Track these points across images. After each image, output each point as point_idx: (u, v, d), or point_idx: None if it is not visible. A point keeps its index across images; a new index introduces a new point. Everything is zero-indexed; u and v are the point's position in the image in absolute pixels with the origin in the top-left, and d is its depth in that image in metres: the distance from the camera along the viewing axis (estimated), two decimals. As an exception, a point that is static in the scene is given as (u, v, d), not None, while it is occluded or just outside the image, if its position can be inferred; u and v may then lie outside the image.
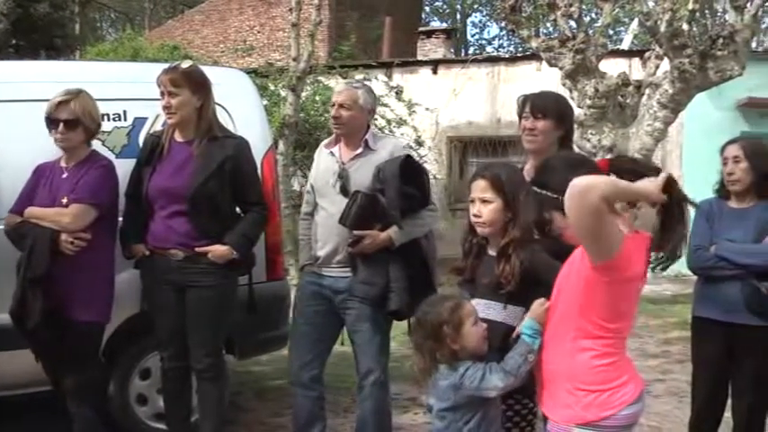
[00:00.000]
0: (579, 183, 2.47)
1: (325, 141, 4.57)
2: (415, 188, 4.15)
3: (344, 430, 4.95)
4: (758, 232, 4.08)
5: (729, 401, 4.29)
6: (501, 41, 34.17)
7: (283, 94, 10.79)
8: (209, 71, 4.38)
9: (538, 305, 2.87)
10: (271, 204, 4.69)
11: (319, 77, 13.17)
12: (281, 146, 9.44)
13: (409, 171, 4.14)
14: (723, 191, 4.27)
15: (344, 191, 4.22)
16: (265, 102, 11.55)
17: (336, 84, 12.81)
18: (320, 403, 4.43)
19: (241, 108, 4.97)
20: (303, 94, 11.02)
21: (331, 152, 4.41)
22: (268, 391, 6.24)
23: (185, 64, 4.27)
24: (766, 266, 4.00)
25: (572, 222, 2.56)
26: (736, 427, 4.25)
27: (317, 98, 12.91)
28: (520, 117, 3.77)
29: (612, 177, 2.59)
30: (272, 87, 12.60)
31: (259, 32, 22.32)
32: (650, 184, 2.60)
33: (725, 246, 4.11)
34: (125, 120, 4.72)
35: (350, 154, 4.33)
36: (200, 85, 4.17)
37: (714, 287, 4.16)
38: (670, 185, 2.61)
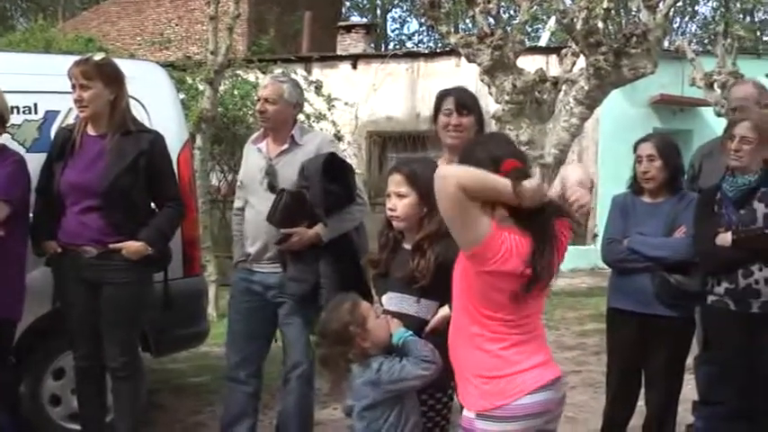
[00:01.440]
0: (440, 170, 2.62)
1: (253, 137, 4.54)
2: (340, 184, 4.14)
3: (265, 426, 4.90)
4: (669, 226, 4.19)
5: (643, 391, 4.39)
6: (421, 37, 34.36)
7: (201, 87, 10.62)
8: (123, 64, 4.29)
9: (392, 324, 3.00)
10: (187, 200, 4.64)
11: (238, 71, 13.00)
12: (199, 140, 9.28)
13: (334, 167, 4.12)
14: (636, 186, 4.36)
15: (272, 188, 4.21)
16: (183, 96, 11.36)
17: (256, 78, 12.72)
18: (254, 400, 4.45)
19: (156, 102, 4.88)
20: (221, 88, 10.84)
21: (258, 148, 4.39)
22: (186, 388, 6.16)
23: (98, 56, 4.17)
24: (676, 259, 4.10)
25: (439, 208, 2.65)
26: (650, 415, 4.36)
27: (236, 92, 12.76)
28: (437, 113, 3.81)
29: (474, 169, 2.62)
30: (190, 81, 12.41)
31: (177, 25, 21.95)
32: (504, 184, 2.60)
33: (637, 239, 4.21)
34: (36, 113, 4.58)
35: (277, 149, 4.31)
36: (112, 78, 4.07)
37: (627, 279, 4.25)
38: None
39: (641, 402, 4.41)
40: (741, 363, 3.99)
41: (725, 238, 3.95)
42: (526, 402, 2.70)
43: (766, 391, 3.99)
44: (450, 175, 2.61)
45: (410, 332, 2.99)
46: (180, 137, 4.98)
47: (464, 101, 3.78)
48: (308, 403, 4.37)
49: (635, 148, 4.35)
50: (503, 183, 2.60)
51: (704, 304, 4.13)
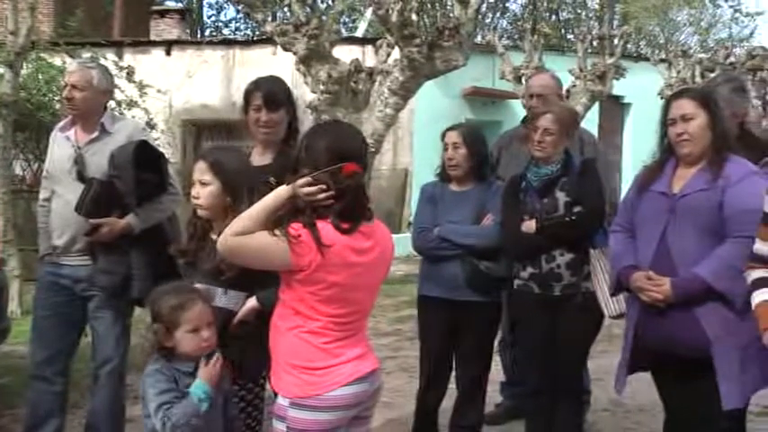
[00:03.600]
0: (219, 243, 2.78)
1: (60, 124, 4.34)
2: (151, 173, 4.02)
3: (73, 427, 4.69)
4: (477, 213, 4.32)
5: (454, 373, 4.52)
6: (237, 24, 33.84)
7: (0, 71, 10.02)
8: None
9: (210, 366, 2.90)
10: (-17, 190, 4.35)
11: (42, 54, 12.36)
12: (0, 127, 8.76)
13: (145, 156, 4.00)
14: (445, 174, 4.47)
15: (81, 177, 4.04)
16: (-20, 79, 10.67)
17: (62, 62, 12.13)
18: (60, 399, 4.27)
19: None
20: (23, 72, 10.27)
21: (66, 136, 4.20)
22: (-15, 390, 5.79)
23: None
24: (485, 246, 4.24)
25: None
26: (460, 395, 4.50)
27: (40, 77, 12.14)
28: (247, 106, 3.76)
29: (243, 214, 2.78)
30: (-12, 63, 11.70)
31: (-26, 3, 20.59)
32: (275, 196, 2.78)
33: (447, 227, 4.32)
34: None
35: (86, 138, 4.14)
36: None
37: (438, 267, 4.36)
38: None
39: (452, 385, 4.54)
40: (544, 343, 4.17)
41: (529, 226, 4.11)
42: (338, 394, 2.76)
43: (565, 368, 4.19)
44: (224, 235, 2.77)
45: (206, 393, 2.87)
46: (-25, 123, 4.67)
47: (272, 96, 3.74)
48: (119, 400, 4.24)
49: (442, 137, 4.46)
50: (272, 197, 2.76)
51: (511, 288, 4.28)
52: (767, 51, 19.06)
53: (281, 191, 2.78)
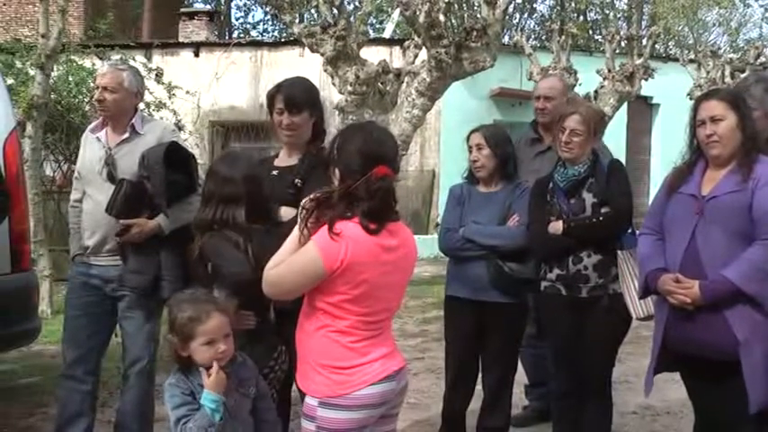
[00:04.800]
0: (263, 282, 2.85)
1: (92, 126, 4.37)
2: (182, 174, 4.04)
3: (103, 425, 4.74)
4: (503, 215, 4.32)
5: (480, 375, 4.51)
6: (265, 26, 34.00)
7: (32, 72, 10.12)
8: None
9: (213, 375, 2.89)
10: (14, 191, 4.42)
11: (73, 57, 12.47)
12: (29, 128, 8.84)
13: (175, 157, 4.02)
14: (472, 176, 4.47)
15: (111, 178, 4.07)
16: (11, 80, 10.79)
17: (92, 64, 12.24)
18: (90, 398, 4.29)
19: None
20: (54, 74, 10.37)
21: (97, 137, 4.23)
22: (17, 390, 5.87)
23: None
24: (509, 247, 4.23)
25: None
26: (487, 397, 4.49)
27: (71, 78, 12.24)
28: (271, 108, 3.79)
29: (276, 258, 2.84)
30: (20, 65, 11.83)
31: (5, 5, 20.83)
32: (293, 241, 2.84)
33: (472, 228, 4.32)
34: None
35: (116, 139, 4.17)
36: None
37: (463, 267, 4.36)
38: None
39: (480, 387, 4.53)
40: (571, 345, 4.16)
41: (556, 227, 4.10)
42: (367, 393, 2.78)
43: (592, 370, 4.17)
44: (264, 273, 2.86)
45: (216, 403, 2.87)
46: (6, 124, 4.71)
47: (294, 99, 3.74)
48: (148, 400, 4.25)
49: (467, 139, 4.47)
50: (291, 243, 2.83)
51: (537, 290, 4.27)
52: (798, 51, 18.85)
53: (296, 231, 2.85)
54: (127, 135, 4.16)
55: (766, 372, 3.26)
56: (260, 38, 25.84)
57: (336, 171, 2.83)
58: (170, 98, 13.01)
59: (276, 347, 3.39)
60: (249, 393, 3.07)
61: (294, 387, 3.55)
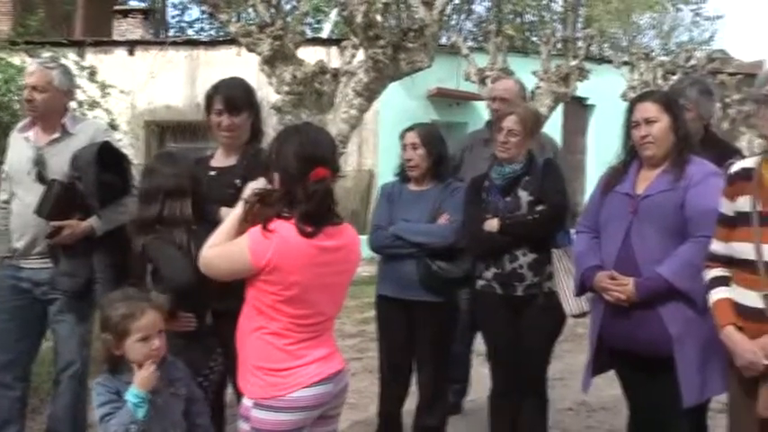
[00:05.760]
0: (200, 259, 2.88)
1: (20, 125, 4.28)
2: (115, 175, 3.98)
3: (32, 432, 4.63)
4: (433, 213, 4.33)
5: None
6: (202, 25, 33.61)
7: (-41, 70, 9.86)
8: None
9: (143, 371, 2.87)
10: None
11: (1, 54, 12.17)
12: (-45, 127, 8.60)
13: (108, 157, 3.95)
14: (403, 174, 4.48)
15: (41, 178, 3.99)
16: (-64, 78, 10.49)
17: (22, 62, 11.94)
18: (20, 404, 4.21)
19: None
20: (-18, 72, 10.14)
21: (26, 137, 4.14)
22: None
23: None
24: (439, 245, 4.24)
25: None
26: (421, 396, 4.50)
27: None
28: (209, 109, 3.75)
29: (214, 236, 2.89)
30: (-56, 62, 11.52)
31: (-72, 1, 20.24)
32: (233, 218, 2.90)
33: (400, 225, 4.33)
34: None
35: (46, 139, 4.09)
36: None
37: (393, 266, 4.37)
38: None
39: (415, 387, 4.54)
40: (507, 343, 4.19)
41: (492, 224, 4.12)
42: (301, 395, 2.79)
43: (529, 368, 4.21)
44: (201, 252, 2.89)
45: (140, 398, 2.84)
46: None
47: (234, 100, 3.72)
48: (80, 405, 4.18)
49: (401, 137, 4.47)
50: (231, 220, 2.88)
51: (473, 289, 4.29)
52: (726, 55, 19.33)
53: (239, 208, 2.89)
54: (57, 135, 4.09)
55: (699, 367, 3.33)
56: (196, 37, 25.53)
57: (276, 175, 2.83)
58: (104, 97, 12.77)
59: (214, 351, 3.36)
60: (179, 394, 3.05)
61: (230, 390, 3.54)
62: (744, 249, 3.00)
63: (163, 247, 3.21)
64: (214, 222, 3.32)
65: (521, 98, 5.18)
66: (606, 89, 16.84)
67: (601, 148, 16.73)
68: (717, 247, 3.14)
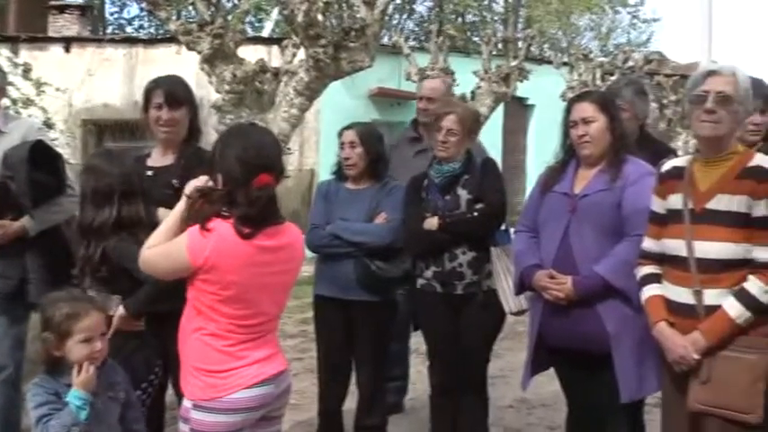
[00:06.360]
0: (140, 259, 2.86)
1: None
2: (48, 174, 3.91)
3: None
4: (370, 212, 4.34)
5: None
6: (141, 22, 33.15)
7: None
8: None
9: (83, 373, 2.83)
10: None
11: (-71, 50, 11.87)
12: None
13: (41, 156, 3.87)
14: (340, 173, 4.48)
15: (-29, 178, 3.88)
16: None
17: (-48, 58, 11.66)
18: None
19: None
20: None
21: None
22: None
23: None
24: (376, 244, 4.26)
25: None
26: (361, 395, 4.52)
27: (-72, 73, 11.64)
28: (147, 105, 3.70)
29: (154, 235, 2.87)
30: None
31: None
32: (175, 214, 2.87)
33: (338, 224, 4.33)
34: None
35: (-24, 138, 3.98)
36: None
37: (331, 266, 4.38)
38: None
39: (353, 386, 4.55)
40: (448, 341, 4.21)
41: (431, 223, 4.14)
42: (240, 397, 2.77)
43: (469, 366, 4.23)
44: (142, 255, 2.87)
45: (83, 400, 2.80)
46: None
47: (175, 94, 3.69)
48: (14, 409, 4.10)
49: (339, 135, 4.47)
50: (172, 218, 2.85)
51: (413, 288, 4.31)
52: (663, 56, 19.70)
53: (181, 204, 2.85)
54: (-12, 133, 3.99)
55: (636, 363, 3.38)
56: (135, 34, 25.17)
57: (219, 176, 2.81)
58: (39, 95, 12.53)
59: (155, 364, 3.33)
60: (118, 398, 3.01)
61: (170, 392, 3.50)
62: (675, 246, 3.07)
63: (132, 248, 3.10)
64: (153, 224, 3.29)
65: (447, 97, 5.26)
66: (546, 89, 17.02)
67: (541, 148, 16.91)
68: (649, 244, 3.21)
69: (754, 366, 2.90)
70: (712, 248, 2.97)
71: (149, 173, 3.70)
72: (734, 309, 2.91)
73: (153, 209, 3.42)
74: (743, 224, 2.94)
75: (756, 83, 3.49)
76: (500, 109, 15.35)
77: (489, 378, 4.42)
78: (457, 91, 12.94)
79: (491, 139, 15.39)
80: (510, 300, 4.01)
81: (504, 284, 4.02)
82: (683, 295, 3.03)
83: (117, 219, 3.23)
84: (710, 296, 2.97)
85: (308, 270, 7.33)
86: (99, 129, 16.18)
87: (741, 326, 2.92)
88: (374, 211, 4.33)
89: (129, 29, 31.36)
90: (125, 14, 33.35)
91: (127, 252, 3.15)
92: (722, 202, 2.99)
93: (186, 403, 2.84)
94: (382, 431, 4.57)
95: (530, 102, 19.17)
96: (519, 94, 15.49)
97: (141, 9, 30.29)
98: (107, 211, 3.24)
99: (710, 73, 3.12)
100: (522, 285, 3.73)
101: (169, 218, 2.88)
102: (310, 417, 5.15)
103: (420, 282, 4.24)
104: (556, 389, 3.90)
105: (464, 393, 4.26)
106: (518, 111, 19.12)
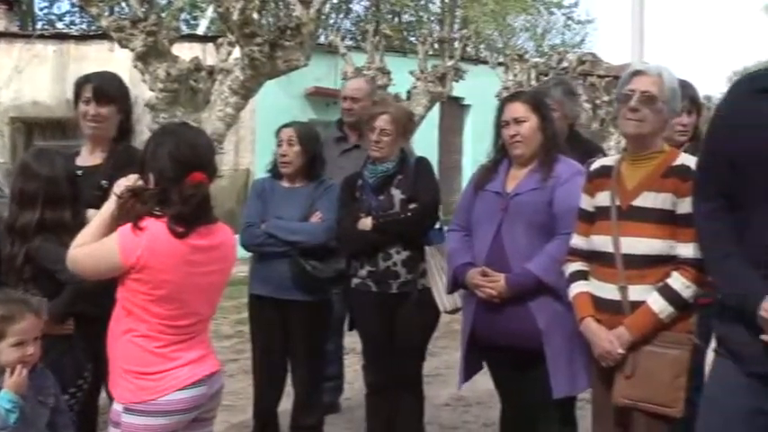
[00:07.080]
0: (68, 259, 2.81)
1: None
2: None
3: None
4: (306, 211, 4.34)
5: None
6: (72, 18, 32.50)
7: None
8: None
9: (15, 375, 2.78)
10: None
11: None
12: None
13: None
14: (275, 171, 4.47)
15: None
16: None
17: None
18: None
19: None
20: None
21: None
22: None
23: None
24: (311, 243, 4.26)
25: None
26: (297, 395, 4.50)
27: None
28: (77, 99, 3.64)
29: (81, 234, 2.82)
30: None
31: None
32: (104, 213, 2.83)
33: (273, 223, 4.31)
34: None
35: None
36: None
37: (266, 265, 4.36)
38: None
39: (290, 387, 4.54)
40: (383, 340, 4.22)
41: (365, 223, 4.15)
42: (173, 398, 2.74)
43: (404, 364, 4.26)
44: (69, 250, 2.81)
45: (13, 403, 2.76)
46: None
47: (104, 89, 3.62)
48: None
49: (277, 133, 4.46)
50: (101, 217, 2.81)
51: (348, 287, 4.31)
52: (597, 58, 20.04)
53: (111, 203, 2.81)
54: None
55: (568, 359, 3.43)
56: (66, 30, 24.67)
57: (150, 175, 2.78)
58: (-35, 93, 12.25)
59: (84, 369, 3.27)
60: (47, 403, 2.94)
61: (103, 395, 3.44)
62: (602, 243, 3.13)
63: (55, 250, 3.05)
64: (80, 226, 3.23)
65: (372, 97, 5.29)
66: (482, 89, 17.16)
67: (477, 148, 17.03)
68: (577, 241, 3.28)
69: (677, 361, 2.98)
70: (638, 245, 3.04)
71: (78, 172, 3.62)
72: (657, 304, 2.99)
73: (82, 210, 3.36)
74: (668, 221, 3.02)
75: (684, 84, 3.59)
76: (436, 109, 15.44)
77: (425, 376, 4.44)
78: (393, 90, 13.00)
79: (427, 139, 15.51)
80: (444, 298, 4.03)
81: (439, 283, 4.04)
82: (609, 291, 3.10)
83: (39, 221, 3.16)
84: (636, 292, 3.04)
85: (243, 270, 7.32)
86: (28, 127, 15.84)
87: (664, 321, 3.00)
88: (309, 210, 4.33)
89: (59, 24, 30.72)
90: (55, 10, 32.59)
91: (49, 253, 3.09)
92: (648, 200, 3.07)
93: (116, 407, 2.79)
94: (318, 431, 4.57)
95: (466, 102, 19.30)
96: (455, 94, 15.60)
97: (72, 4, 29.72)
98: (30, 214, 3.17)
99: (637, 73, 3.21)
100: (456, 283, 3.76)
101: (98, 216, 2.84)
102: (246, 418, 5.12)
103: (355, 281, 4.24)
104: (491, 386, 3.93)
105: (400, 392, 4.27)
106: (454, 111, 19.25)
